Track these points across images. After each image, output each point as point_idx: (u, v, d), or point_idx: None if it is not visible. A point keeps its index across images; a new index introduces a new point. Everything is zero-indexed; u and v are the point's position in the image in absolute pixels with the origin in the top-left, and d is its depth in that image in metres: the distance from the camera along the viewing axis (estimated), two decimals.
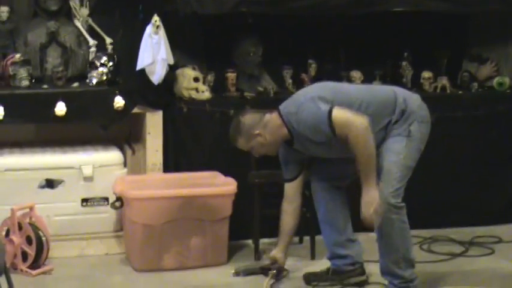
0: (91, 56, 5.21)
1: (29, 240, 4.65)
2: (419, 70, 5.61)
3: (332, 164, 4.40)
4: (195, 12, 5.02)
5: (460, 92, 5.63)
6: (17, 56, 5.03)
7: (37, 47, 5.19)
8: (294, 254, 4.85)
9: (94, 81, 5.07)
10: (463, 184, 5.52)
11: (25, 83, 4.96)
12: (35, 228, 4.68)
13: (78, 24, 5.30)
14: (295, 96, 4.29)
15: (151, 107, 5.12)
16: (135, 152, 5.30)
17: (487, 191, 5.59)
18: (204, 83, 5.22)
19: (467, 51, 5.95)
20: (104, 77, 5.06)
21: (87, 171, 4.96)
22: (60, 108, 4.84)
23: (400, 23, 5.56)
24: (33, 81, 5.06)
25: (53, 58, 5.20)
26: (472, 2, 5.36)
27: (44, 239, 4.68)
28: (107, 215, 5.02)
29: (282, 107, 4.27)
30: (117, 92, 4.97)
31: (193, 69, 5.25)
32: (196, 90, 5.17)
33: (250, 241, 5.07)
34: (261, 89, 5.37)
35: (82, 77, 5.17)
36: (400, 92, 4.27)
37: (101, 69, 5.07)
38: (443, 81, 5.58)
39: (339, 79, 5.21)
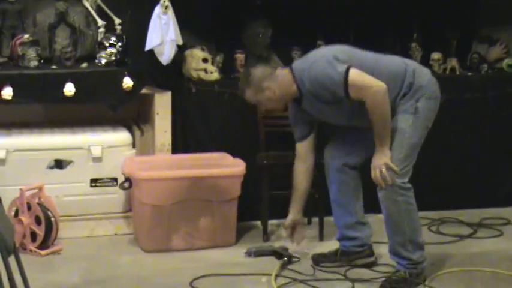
0: (100, 37, 5.19)
1: (38, 221, 4.66)
2: (428, 51, 5.60)
3: (344, 142, 4.39)
4: None
5: (470, 74, 5.61)
6: (26, 36, 5.02)
7: (46, 27, 5.17)
8: None
9: (103, 61, 5.05)
10: (472, 166, 5.52)
11: (34, 63, 4.95)
12: (44, 208, 4.69)
13: (87, 4, 5.28)
14: (310, 55, 4.24)
15: (160, 88, 5.12)
16: (143, 133, 5.30)
17: (496, 172, 5.59)
18: (212, 63, 5.21)
19: (477, 33, 5.93)
20: (113, 58, 5.05)
21: (96, 151, 4.97)
22: (69, 89, 4.83)
23: (410, 4, 5.53)
24: (42, 61, 5.05)
25: (62, 38, 5.19)
26: None
27: (52, 219, 4.69)
28: (115, 195, 5.03)
29: (294, 64, 4.25)
30: (125, 72, 4.95)
31: (202, 50, 5.23)
32: (205, 71, 5.16)
33: (258, 222, 5.07)
34: None
35: (91, 57, 5.15)
36: (411, 64, 4.24)
37: (109, 49, 5.05)
38: (453, 62, 5.56)
39: None
